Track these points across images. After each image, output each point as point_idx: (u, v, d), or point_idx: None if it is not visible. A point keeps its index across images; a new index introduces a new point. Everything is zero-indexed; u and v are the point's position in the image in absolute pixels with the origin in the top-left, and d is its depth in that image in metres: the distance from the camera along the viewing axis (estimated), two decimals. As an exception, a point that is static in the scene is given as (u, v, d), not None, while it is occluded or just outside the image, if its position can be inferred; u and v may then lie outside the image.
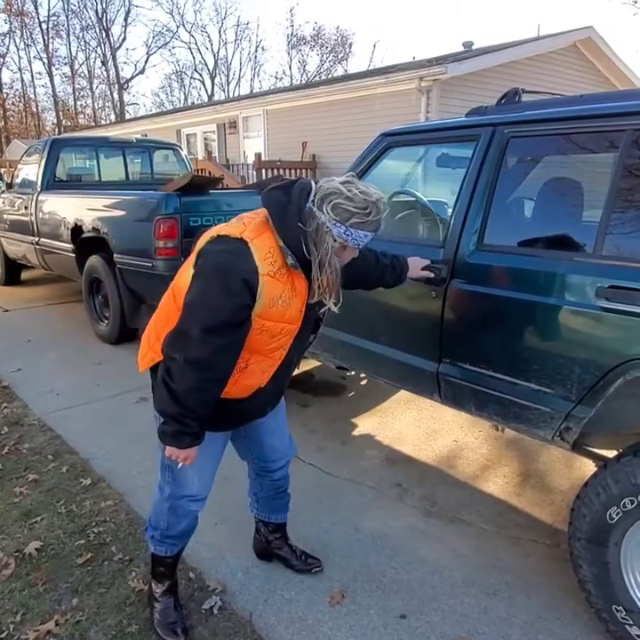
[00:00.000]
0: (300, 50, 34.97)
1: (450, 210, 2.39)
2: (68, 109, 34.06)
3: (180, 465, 1.64)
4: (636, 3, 10.51)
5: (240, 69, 37.16)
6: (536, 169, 2.29)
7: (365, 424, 3.46)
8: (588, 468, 2.00)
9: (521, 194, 2.32)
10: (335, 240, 1.47)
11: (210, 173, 9.82)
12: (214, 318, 1.43)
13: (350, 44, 34.54)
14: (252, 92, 32.42)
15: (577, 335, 1.86)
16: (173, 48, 35.29)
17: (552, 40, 10.50)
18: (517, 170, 2.27)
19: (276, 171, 10.26)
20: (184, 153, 7.22)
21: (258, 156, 10.74)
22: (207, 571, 2.18)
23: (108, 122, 31.58)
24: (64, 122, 32.96)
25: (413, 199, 2.95)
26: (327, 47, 34.44)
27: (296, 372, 2.00)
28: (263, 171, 10.30)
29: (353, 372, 3.85)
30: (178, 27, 35.39)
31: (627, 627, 1.74)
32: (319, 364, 4.25)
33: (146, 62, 35.01)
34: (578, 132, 1.95)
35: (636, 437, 1.81)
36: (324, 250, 1.48)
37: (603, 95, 2.12)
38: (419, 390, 2.54)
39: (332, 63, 34.54)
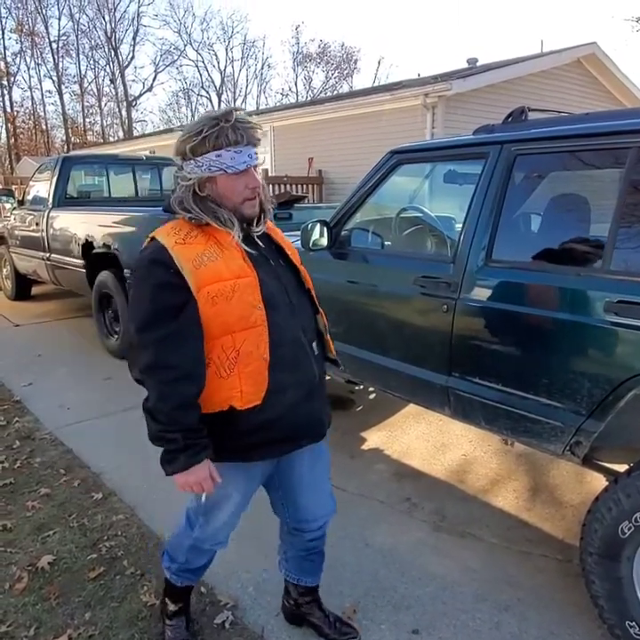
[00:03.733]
0: (305, 67, 35.46)
1: (458, 226, 2.42)
2: (77, 127, 34.57)
3: (203, 498, 1.54)
4: (638, 20, 10.57)
5: (246, 86, 37.50)
6: (543, 185, 2.32)
7: (374, 438, 3.47)
8: (599, 482, 2.00)
9: (528, 210, 2.35)
10: (190, 179, 1.39)
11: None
12: (141, 312, 1.37)
13: (355, 61, 34.97)
14: (258, 108, 32.80)
15: (586, 349, 1.88)
16: (181, 66, 35.78)
17: (556, 56, 10.60)
18: (525, 186, 2.30)
19: (283, 186, 10.36)
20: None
21: (265, 171, 10.85)
22: (218, 585, 2.19)
23: (116, 139, 32.01)
24: (73, 139, 33.43)
25: (422, 215, 2.99)
26: (332, 64, 34.91)
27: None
28: (270, 186, 10.40)
29: (361, 386, 3.86)
30: (185, 45, 35.77)
31: (640, 643, 1.73)
32: (328, 378, 4.27)
33: (154, 80, 35.40)
34: (584, 149, 1.98)
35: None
36: (184, 191, 1.41)
37: (608, 113, 2.16)
38: (428, 404, 2.55)
39: (337, 79, 35.01)
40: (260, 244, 1.52)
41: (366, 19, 55.05)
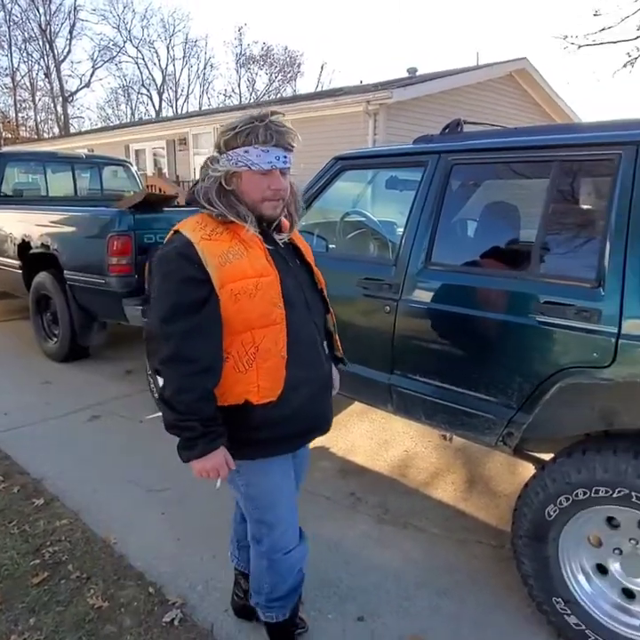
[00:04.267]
0: (248, 68, 35.24)
1: (400, 230, 2.53)
2: (9, 122, 32.99)
3: (218, 484, 1.52)
4: (565, 38, 11.21)
5: (188, 86, 37.09)
6: (477, 193, 2.47)
7: (319, 437, 3.53)
8: (530, 472, 2.16)
9: (464, 216, 2.50)
10: (219, 171, 1.42)
11: (160, 190, 9.77)
12: (166, 305, 1.39)
13: (299, 65, 35.02)
14: (201, 109, 32.40)
15: (516, 347, 2.02)
16: (120, 62, 34.60)
17: (489, 69, 11.08)
18: (461, 194, 2.44)
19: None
20: (134, 169, 7.18)
21: (208, 173, 10.76)
22: (167, 585, 2.20)
23: (51, 135, 30.79)
24: (5, 134, 31.89)
25: (365, 219, 3.09)
26: (276, 67, 34.87)
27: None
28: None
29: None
30: (125, 42, 34.74)
31: (565, 617, 1.88)
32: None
33: (91, 76, 34.22)
34: (514, 161, 2.14)
35: (570, 440, 1.97)
36: (211, 182, 1.43)
37: (535, 128, 2.32)
38: (372, 401, 2.65)
39: (281, 83, 34.97)
40: (280, 244, 1.55)
41: (309, 24, 55.48)
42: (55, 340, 4.86)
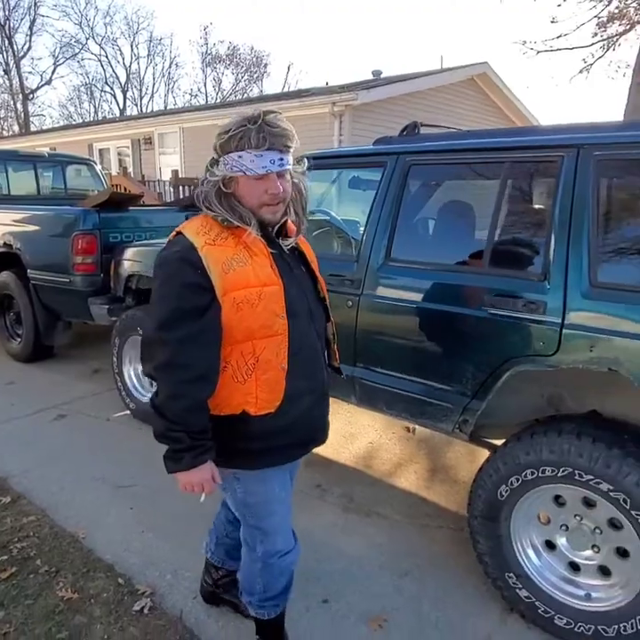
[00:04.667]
0: (214, 68, 34.98)
1: (362, 228, 2.63)
2: (-34, 118, 32.05)
3: (202, 498, 1.48)
4: (524, 43, 11.55)
5: (153, 85, 36.42)
6: (433, 192, 2.59)
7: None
8: (487, 459, 2.30)
9: (422, 214, 2.60)
10: (216, 176, 1.39)
11: (125, 189, 9.69)
12: (165, 310, 1.36)
13: (265, 65, 34.88)
14: (166, 108, 32.05)
15: (470, 338, 2.13)
16: (82, 59, 33.89)
17: (452, 73, 11.34)
18: (418, 193, 2.55)
19: (193, 188, 10.29)
20: (99, 168, 7.12)
21: (175, 172, 10.73)
22: (136, 576, 2.24)
23: (11, 133, 30.00)
24: (-39, 131, 30.96)
25: (329, 218, 3.18)
26: (242, 66, 34.69)
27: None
28: (180, 187, 10.30)
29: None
30: (87, 38, 34.05)
31: (517, 590, 2.00)
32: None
33: (53, 73, 33.44)
34: (466, 162, 2.25)
35: (520, 426, 2.10)
36: (209, 187, 1.40)
37: (487, 132, 2.45)
38: (337, 394, 2.73)
39: (247, 83, 34.79)
40: (285, 250, 1.50)
41: (276, 24, 55.45)
42: (19, 339, 4.81)
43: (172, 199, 9.51)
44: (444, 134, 2.44)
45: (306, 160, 1.50)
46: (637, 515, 1.69)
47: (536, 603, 1.96)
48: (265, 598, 1.72)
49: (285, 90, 29.54)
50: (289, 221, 1.53)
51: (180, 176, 10.84)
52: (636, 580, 1.76)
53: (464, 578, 2.26)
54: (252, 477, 1.55)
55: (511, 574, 2.01)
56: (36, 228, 4.42)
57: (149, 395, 3.59)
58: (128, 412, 3.75)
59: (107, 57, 33.63)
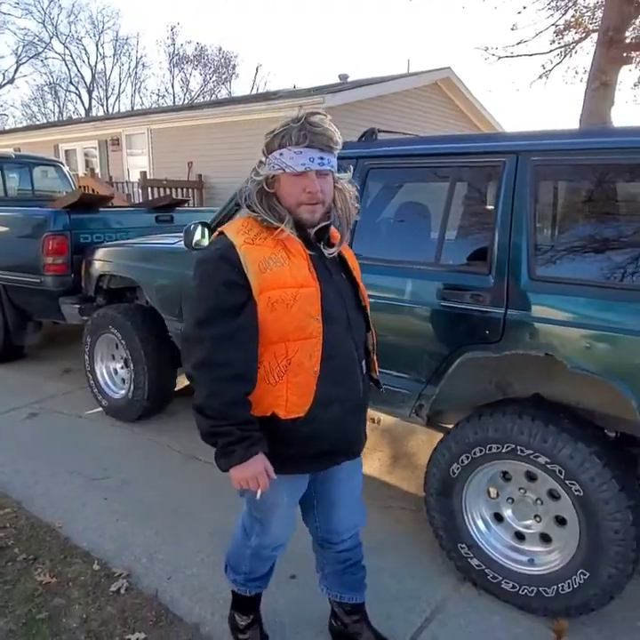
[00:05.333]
0: (182, 68, 34.80)
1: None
2: None
3: (258, 495, 1.44)
4: (486, 49, 11.89)
5: (120, 85, 35.97)
6: (391, 194, 2.76)
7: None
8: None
9: (381, 214, 2.77)
10: (260, 176, 1.42)
11: (94, 191, 9.65)
12: (203, 307, 1.37)
13: (234, 66, 34.84)
14: (133, 108, 31.74)
15: (424, 328, 2.31)
16: (46, 59, 33.28)
17: (416, 78, 11.61)
18: (377, 195, 2.72)
19: (162, 189, 10.31)
20: (66, 169, 7.13)
21: (143, 174, 10.72)
22: (112, 560, 2.34)
23: (-28, 133, 29.29)
24: None
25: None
26: (210, 67, 34.58)
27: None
28: (149, 189, 10.31)
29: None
30: (51, 37, 33.51)
31: (469, 560, 2.17)
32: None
33: (16, 72, 32.82)
34: (420, 166, 2.43)
35: (471, 411, 2.27)
36: (253, 185, 1.43)
37: (440, 138, 2.62)
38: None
39: (215, 84, 34.72)
40: (326, 255, 1.49)
41: (244, 25, 55.39)
42: (-12, 341, 4.82)
43: (141, 200, 9.50)
44: (399, 140, 2.61)
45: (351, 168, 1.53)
46: (571, 484, 1.88)
47: (486, 570, 2.13)
48: (250, 579, 1.79)
49: (254, 92, 29.65)
50: (333, 228, 1.53)
51: (148, 177, 10.83)
52: (572, 544, 1.95)
53: (422, 552, 2.43)
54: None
55: (463, 545, 2.18)
56: (6, 229, 4.45)
57: (123, 391, 3.69)
58: (100, 409, 3.83)
59: (71, 56, 33.13)
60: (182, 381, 4.17)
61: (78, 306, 3.99)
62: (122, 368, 3.77)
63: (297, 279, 1.38)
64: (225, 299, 1.35)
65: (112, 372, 3.83)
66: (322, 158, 1.37)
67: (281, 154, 1.37)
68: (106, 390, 3.79)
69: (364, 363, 1.60)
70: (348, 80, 12.02)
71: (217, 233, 1.49)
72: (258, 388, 1.42)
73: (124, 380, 3.75)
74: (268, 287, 1.36)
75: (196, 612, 2.08)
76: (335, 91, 9.94)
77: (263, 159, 1.44)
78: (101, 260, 3.86)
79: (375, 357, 1.70)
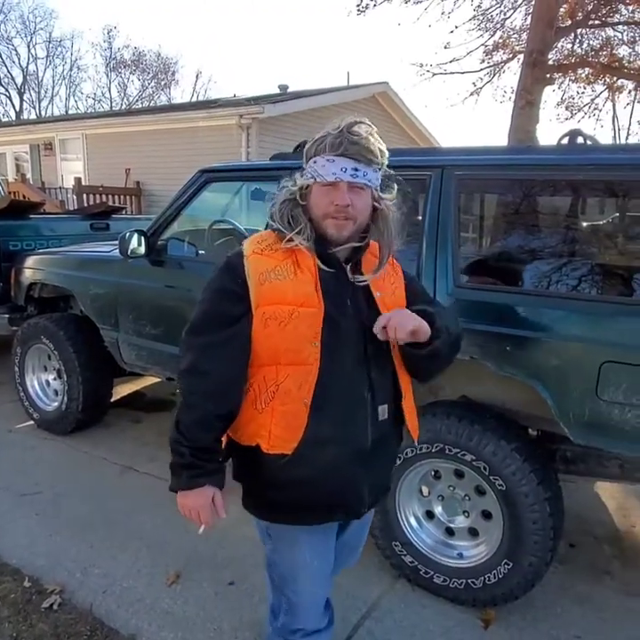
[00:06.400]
0: (119, 73, 34.00)
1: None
2: None
3: (200, 530, 1.37)
4: (421, 66, 12.34)
5: (53, 87, 34.72)
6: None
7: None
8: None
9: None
10: (295, 184, 1.30)
11: (25, 197, 9.29)
12: (197, 313, 1.31)
13: (173, 72, 34.35)
14: (68, 112, 30.76)
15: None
16: (-27, 58, 31.73)
17: (355, 90, 11.87)
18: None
19: (98, 196, 10.05)
20: (-5, 175, 6.84)
21: (78, 180, 10.41)
22: (44, 576, 2.28)
23: None
24: None
25: (232, 227, 3.35)
26: (149, 73, 34.00)
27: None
28: (84, 196, 10.02)
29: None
30: (-22, 36, 32.02)
31: (402, 557, 2.26)
32: (151, 382, 4.43)
33: (-61, 71, 31.11)
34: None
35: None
36: (284, 194, 1.32)
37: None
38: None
39: (154, 89, 34.11)
40: (349, 278, 1.33)
41: (183, 31, 54.83)
42: None
43: (76, 207, 9.23)
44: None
45: (396, 185, 1.40)
46: (494, 479, 1.99)
47: (418, 566, 2.22)
48: None
49: (194, 99, 29.38)
50: (369, 254, 1.38)
51: (83, 184, 10.53)
52: (497, 537, 2.07)
53: (362, 556, 2.49)
54: (281, 534, 1.39)
55: (397, 543, 2.26)
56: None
57: (55, 404, 3.59)
58: (32, 422, 3.70)
59: (0, 57, 31.74)
60: (118, 392, 4.10)
61: (7, 316, 3.86)
62: (54, 379, 3.66)
63: (297, 296, 1.25)
64: (219, 307, 1.28)
65: (44, 383, 3.71)
66: (356, 169, 1.24)
67: (315, 162, 1.27)
68: (37, 403, 3.67)
69: (385, 408, 1.36)
70: (288, 91, 12.14)
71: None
72: (245, 412, 1.30)
73: (56, 392, 3.64)
74: (265, 301, 1.25)
75: (133, 623, 2.06)
76: (275, 101, 10.01)
77: (304, 166, 1.32)
78: (32, 269, 3.74)
79: (408, 404, 1.44)
